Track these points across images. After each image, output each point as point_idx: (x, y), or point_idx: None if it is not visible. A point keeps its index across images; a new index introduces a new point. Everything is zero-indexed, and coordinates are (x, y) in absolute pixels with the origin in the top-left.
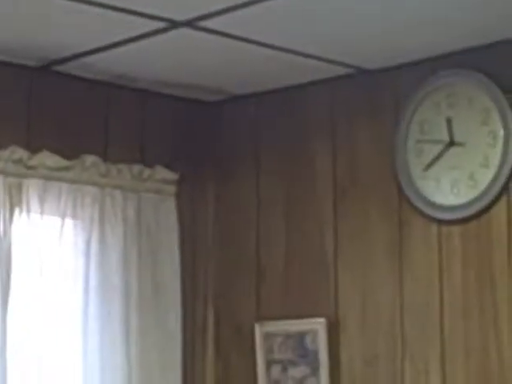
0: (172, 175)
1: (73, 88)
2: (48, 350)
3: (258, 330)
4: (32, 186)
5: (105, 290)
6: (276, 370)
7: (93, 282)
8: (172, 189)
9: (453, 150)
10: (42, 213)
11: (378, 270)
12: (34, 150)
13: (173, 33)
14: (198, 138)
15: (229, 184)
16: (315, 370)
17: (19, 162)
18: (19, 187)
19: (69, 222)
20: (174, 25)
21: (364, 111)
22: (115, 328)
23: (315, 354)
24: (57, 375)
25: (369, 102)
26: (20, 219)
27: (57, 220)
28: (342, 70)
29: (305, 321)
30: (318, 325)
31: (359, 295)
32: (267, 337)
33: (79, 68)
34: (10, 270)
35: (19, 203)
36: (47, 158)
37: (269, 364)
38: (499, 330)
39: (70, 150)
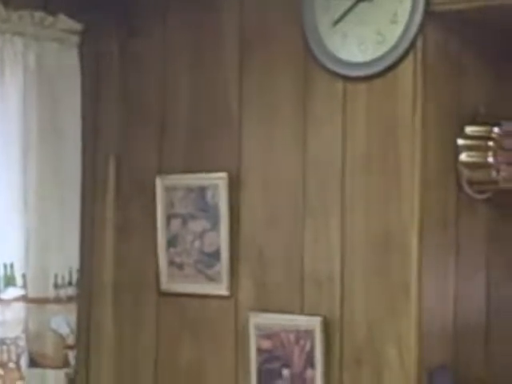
0: (75, 25)
1: None
2: None
3: (159, 183)
4: None
5: (3, 137)
6: (176, 224)
7: None
8: (75, 39)
9: (362, 5)
10: None
11: (282, 126)
12: None
13: None
14: None
15: (134, 37)
16: (215, 225)
17: None
18: None
19: None
20: None
21: None
22: (13, 178)
23: (216, 208)
24: None
25: None
26: None
27: None
28: None
29: (206, 175)
30: (220, 180)
31: (262, 151)
32: (168, 190)
33: None
34: None
35: None
36: None
37: (168, 217)
38: (400, 186)
39: None
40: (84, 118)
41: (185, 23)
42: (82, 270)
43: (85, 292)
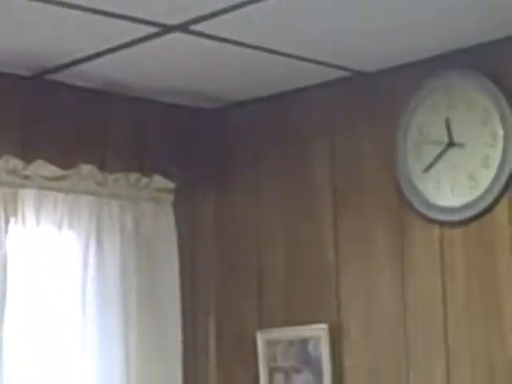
0: (169, 184)
1: (67, 96)
2: (46, 368)
3: (260, 338)
4: (27, 197)
5: (103, 302)
6: (279, 378)
7: (90, 295)
8: (169, 197)
9: (452, 151)
10: (37, 223)
11: (379, 274)
12: (29, 159)
13: (166, 37)
14: (196, 146)
15: (227, 191)
16: (318, 377)
17: (14, 171)
18: (14, 197)
19: (65, 232)
20: (166, 29)
21: (363, 114)
22: (114, 344)
23: (318, 360)
24: None
25: (367, 105)
26: (15, 230)
27: (53, 231)
28: (339, 73)
29: (307, 327)
30: (321, 331)
31: (361, 300)
32: (269, 344)
33: (73, 76)
34: (5, 282)
35: (14, 214)
36: (42, 168)
37: (271, 372)
38: (504, 332)
39: (66, 160)
40: (182, 278)
41: (277, 176)
42: None
43: None
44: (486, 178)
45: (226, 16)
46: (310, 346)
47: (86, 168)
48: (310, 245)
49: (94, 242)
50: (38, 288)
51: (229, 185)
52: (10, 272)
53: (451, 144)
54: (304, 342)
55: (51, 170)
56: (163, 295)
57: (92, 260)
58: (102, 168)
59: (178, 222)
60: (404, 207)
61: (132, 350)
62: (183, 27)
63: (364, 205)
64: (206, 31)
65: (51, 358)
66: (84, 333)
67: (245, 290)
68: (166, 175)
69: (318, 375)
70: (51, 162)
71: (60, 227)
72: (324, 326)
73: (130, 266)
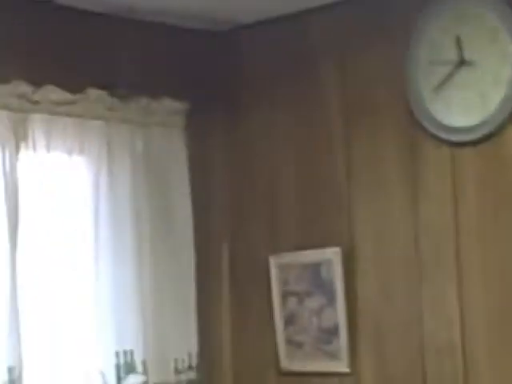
0: (180, 105)
1: (77, 21)
2: (59, 288)
3: (273, 262)
4: (37, 122)
5: (115, 225)
6: (292, 302)
7: (103, 218)
8: (180, 120)
9: (463, 70)
10: (48, 149)
11: (391, 195)
12: (37, 84)
13: None
14: (206, 69)
15: (239, 115)
16: (331, 300)
17: (23, 96)
18: (24, 123)
19: (76, 157)
20: None
21: (374, 35)
22: (127, 264)
23: (331, 284)
24: (69, 312)
25: (378, 25)
26: (26, 155)
27: (63, 156)
28: None
29: (319, 251)
30: (333, 254)
31: (373, 222)
32: (282, 269)
33: (83, 0)
34: (17, 207)
35: (24, 139)
36: (51, 93)
37: (284, 296)
38: None
39: (75, 84)
40: (194, 203)
41: (289, 100)
42: (201, 354)
43: (205, 375)
44: (496, 96)
45: None
46: (323, 270)
47: (95, 93)
48: (321, 169)
49: (104, 168)
50: (50, 213)
51: (239, 109)
52: (21, 198)
53: (462, 62)
54: (316, 265)
55: (60, 94)
56: (176, 219)
57: (103, 185)
58: (111, 92)
59: (189, 148)
60: (415, 128)
61: (145, 271)
62: None
63: (375, 127)
64: None
65: (66, 283)
66: (97, 256)
67: (257, 216)
68: (176, 98)
69: (331, 299)
70: (60, 86)
71: (70, 153)
72: (337, 249)
73: (141, 190)
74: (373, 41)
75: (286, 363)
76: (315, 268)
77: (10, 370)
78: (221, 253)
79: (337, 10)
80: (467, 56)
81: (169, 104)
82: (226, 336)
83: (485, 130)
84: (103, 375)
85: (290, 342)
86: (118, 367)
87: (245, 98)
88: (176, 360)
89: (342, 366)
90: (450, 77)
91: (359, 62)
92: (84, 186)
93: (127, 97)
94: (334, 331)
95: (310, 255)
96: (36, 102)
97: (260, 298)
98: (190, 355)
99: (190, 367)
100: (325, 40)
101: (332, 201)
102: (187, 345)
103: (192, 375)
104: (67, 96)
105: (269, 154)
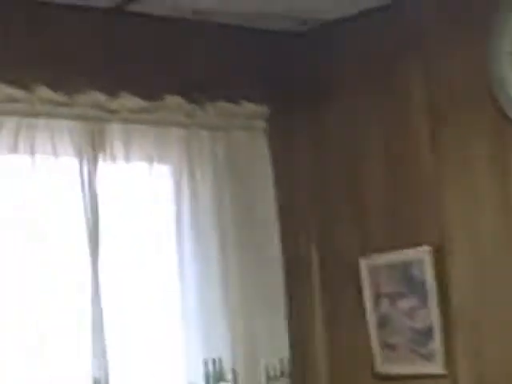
0: (261, 109)
1: (149, 27)
2: (145, 298)
3: (363, 264)
4: (115, 131)
5: (199, 235)
6: (384, 304)
7: (186, 227)
8: (262, 124)
9: None
10: (127, 159)
11: (482, 192)
12: (113, 93)
13: None
14: (286, 71)
15: (321, 114)
16: (424, 301)
17: (99, 106)
18: (101, 133)
19: (156, 166)
20: None
21: (455, 27)
22: (213, 271)
23: (422, 283)
24: (155, 321)
25: (459, 16)
26: (105, 166)
27: (143, 166)
28: None
29: (410, 250)
30: (424, 253)
31: (464, 219)
32: (372, 270)
33: (154, 6)
34: (97, 219)
35: (103, 149)
36: (128, 101)
37: (377, 297)
38: None
39: (151, 92)
40: (279, 205)
41: (371, 96)
42: (293, 359)
43: (298, 382)
44: None
45: None
46: (414, 270)
47: (174, 99)
48: (409, 168)
49: (186, 175)
50: (132, 224)
51: (323, 104)
52: (101, 210)
53: None
54: (407, 265)
55: (137, 102)
56: (261, 224)
57: (186, 193)
58: (188, 99)
59: (271, 149)
60: (501, 120)
61: (233, 279)
62: None
63: (462, 123)
64: None
65: (151, 294)
66: (182, 266)
67: (345, 217)
68: (255, 102)
69: (423, 299)
70: (135, 95)
71: (150, 161)
72: (427, 248)
73: (224, 196)
74: (454, 35)
75: (380, 367)
76: (406, 268)
77: (96, 381)
78: (310, 256)
79: (415, 5)
80: None
81: (249, 107)
82: (319, 341)
83: None
84: None
85: (384, 344)
86: (207, 376)
87: (326, 93)
88: (267, 367)
89: (438, 368)
90: None
91: (441, 57)
92: (166, 194)
93: (204, 102)
94: (428, 332)
95: (401, 255)
96: (113, 112)
97: (352, 300)
98: (281, 362)
99: (282, 374)
100: (405, 35)
101: (420, 199)
102: (279, 351)
103: (284, 382)
104: (144, 104)
105: (354, 152)
